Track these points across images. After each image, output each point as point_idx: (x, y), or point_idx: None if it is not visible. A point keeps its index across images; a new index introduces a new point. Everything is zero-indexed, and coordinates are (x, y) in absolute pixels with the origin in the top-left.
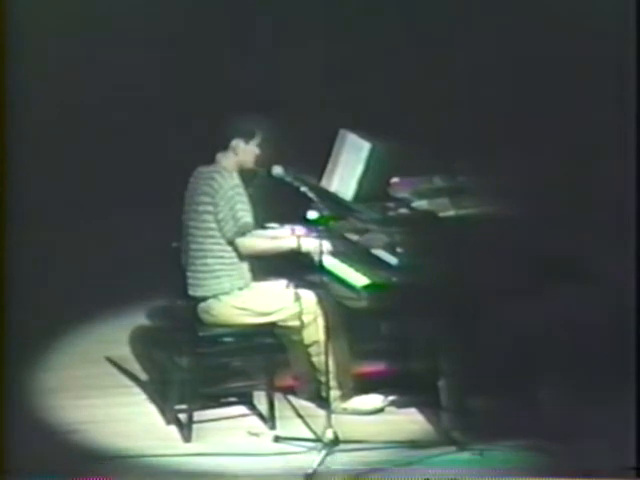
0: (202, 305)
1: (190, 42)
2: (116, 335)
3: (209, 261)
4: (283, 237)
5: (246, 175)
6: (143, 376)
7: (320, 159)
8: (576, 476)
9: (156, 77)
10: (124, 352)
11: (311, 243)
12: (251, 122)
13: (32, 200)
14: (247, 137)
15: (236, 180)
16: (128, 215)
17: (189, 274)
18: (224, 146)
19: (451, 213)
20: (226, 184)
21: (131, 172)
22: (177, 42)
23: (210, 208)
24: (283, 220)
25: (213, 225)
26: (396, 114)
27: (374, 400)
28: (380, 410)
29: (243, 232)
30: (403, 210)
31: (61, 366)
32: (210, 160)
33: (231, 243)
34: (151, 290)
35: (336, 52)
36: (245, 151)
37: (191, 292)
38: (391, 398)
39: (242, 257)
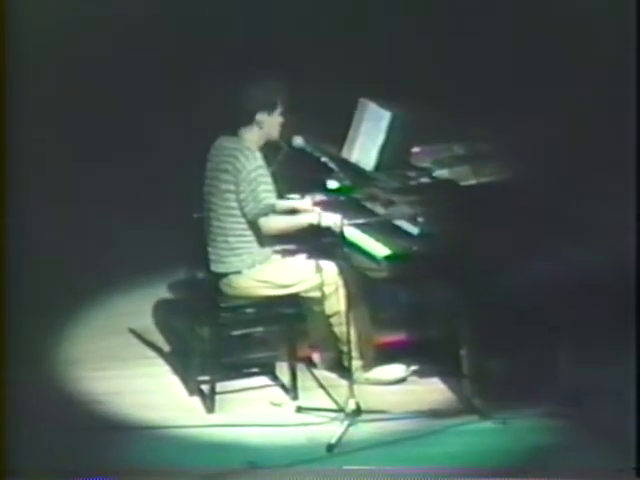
0: (223, 278)
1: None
2: (138, 307)
3: (230, 239)
4: (304, 210)
5: (269, 152)
6: (166, 347)
7: (340, 128)
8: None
9: (173, 41)
10: (146, 324)
11: (332, 214)
12: (271, 91)
13: (52, 164)
14: (270, 108)
15: (259, 160)
16: (150, 184)
17: (210, 250)
18: (246, 117)
19: (472, 181)
20: (249, 165)
21: (154, 141)
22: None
23: (232, 187)
24: (304, 191)
25: (234, 204)
26: (415, 82)
27: (396, 370)
28: (402, 380)
29: (265, 213)
30: (424, 179)
31: (84, 338)
32: (230, 128)
33: (252, 223)
34: (173, 262)
35: (355, 20)
36: (270, 123)
37: (213, 268)
38: (413, 368)
39: (263, 235)
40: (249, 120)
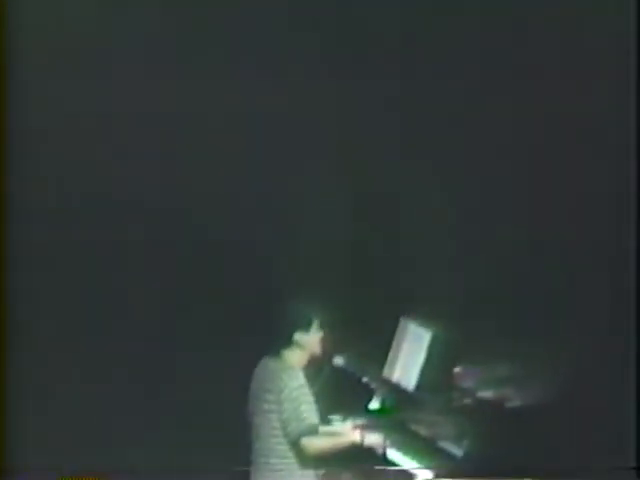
0: None
1: None
2: None
3: (272, 460)
4: (345, 433)
5: (311, 371)
6: None
7: (382, 346)
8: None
9: None
10: None
11: (374, 436)
12: (305, 309)
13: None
14: (306, 327)
15: (301, 380)
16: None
17: (252, 471)
18: (284, 338)
19: (517, 403)
20: (291, 384)
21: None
22: None
23: (274, 407)
24: (345, 411)
25: (277, 424)
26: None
27: None
28: None
29: (308, 433)
30: (468, 400)
31: None
32: (272, 349)
33: (294, 444)
34: None
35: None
36: (310, 342)
37: None
38: None
39: (306, 457)
40: (288, 341)
